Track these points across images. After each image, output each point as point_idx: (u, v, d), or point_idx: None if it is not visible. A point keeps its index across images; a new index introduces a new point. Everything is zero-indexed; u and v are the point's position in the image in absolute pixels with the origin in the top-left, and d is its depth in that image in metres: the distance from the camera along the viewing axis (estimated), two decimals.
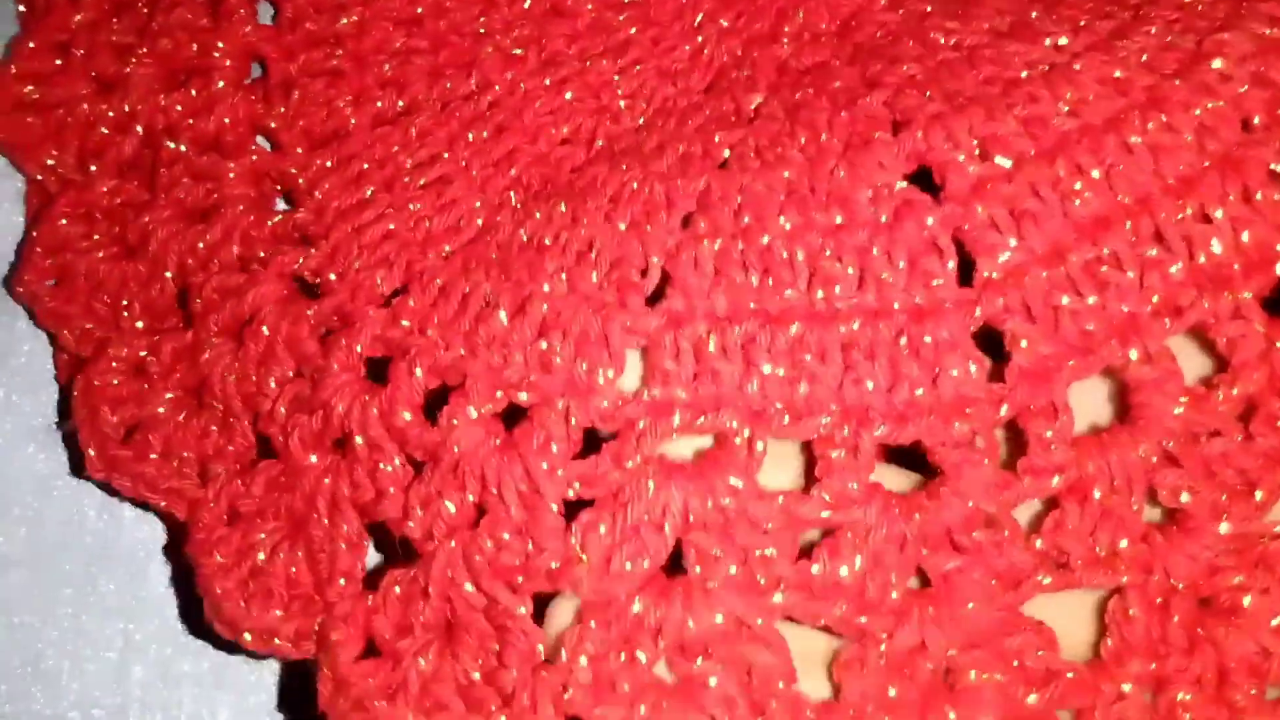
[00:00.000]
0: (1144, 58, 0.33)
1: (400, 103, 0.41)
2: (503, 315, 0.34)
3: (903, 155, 0.32)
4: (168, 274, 0.40)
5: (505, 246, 0.37)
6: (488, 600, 0.32)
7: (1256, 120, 0.32)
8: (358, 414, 0.35)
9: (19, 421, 0.45)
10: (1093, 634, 0.32)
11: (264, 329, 0.38)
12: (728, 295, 0.32)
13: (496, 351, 0.33)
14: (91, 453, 0.39)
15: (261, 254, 0.39)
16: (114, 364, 0.39)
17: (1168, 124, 0.32)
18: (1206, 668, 0.31)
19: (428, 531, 0.33)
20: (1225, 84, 0.32)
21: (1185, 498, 0.31)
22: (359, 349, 0.36)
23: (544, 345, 0.32)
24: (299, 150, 0.41)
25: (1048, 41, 0.34)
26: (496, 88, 0.41)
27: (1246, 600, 0.31)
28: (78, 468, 0.42)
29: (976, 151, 0.32)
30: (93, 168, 0.41)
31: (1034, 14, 0.36)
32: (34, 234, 0.41)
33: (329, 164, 0.40)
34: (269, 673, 0.45)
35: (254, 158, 0.41)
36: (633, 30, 0.43)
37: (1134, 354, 0.31)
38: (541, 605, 0.32)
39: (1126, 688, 0.31)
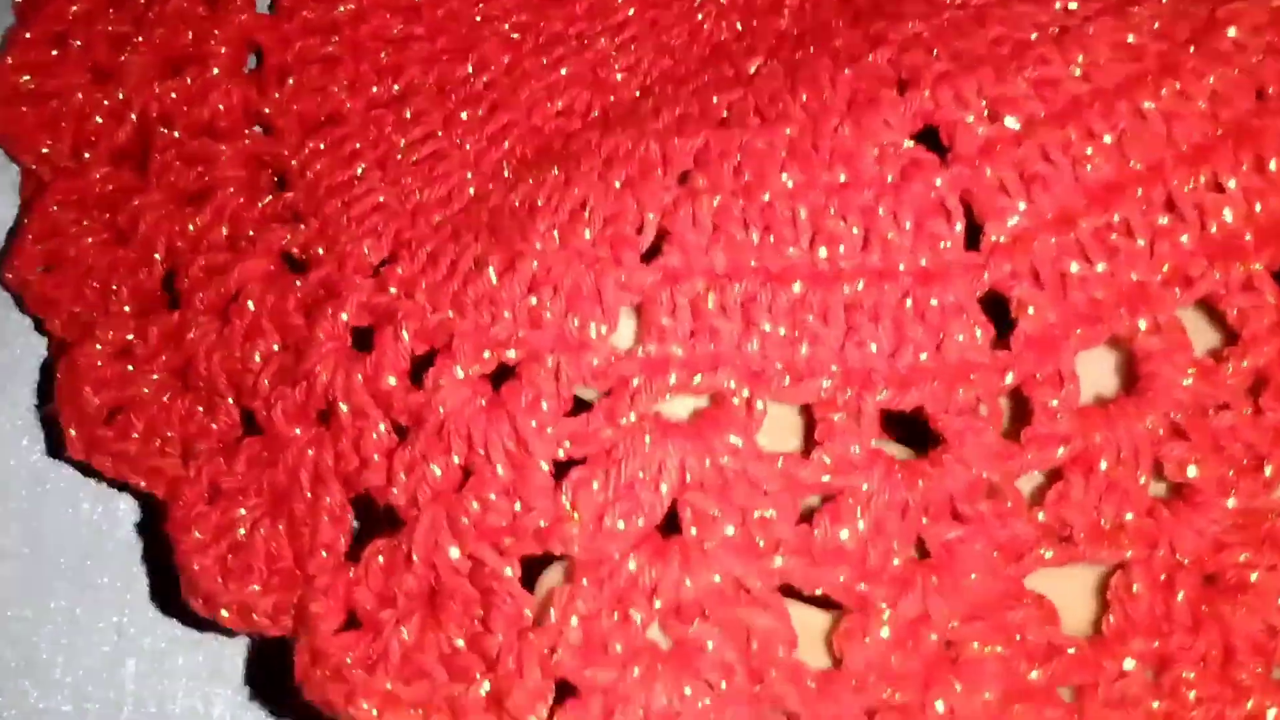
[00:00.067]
0: (1156, 25, 0.32)
1: (396, 87, 0.41)
2: (491, 273, 0.33)
3: (909, 114, 0.32)
4: (156, 256, 0.40)
5: (497, 211, 0.36)
6: (473, 564, 0.31)
7: (1271, 90, 0.32)
8: (342, 382, 0.34)
9: (13, 415, 0.45)
10: (1095, 610, 0.32)
11: (249, 304, 0.37)
12: (727, 252, 0.31)
13: (485, 310, 0.32)
14: (72, 433, 0.38)
15: (250, 234, 0.39)
16: (99, 346, 0.39)
17: (1181, 91, 0.32)
18: (1211, 646, 0.31)
19: (412, 497, 0.32)
20: (1239, 53, 0.32)
21: (1192, 471, 0.31)
22: (345, 318, 0.35)
23: (533, 301, 0.32)
24: (293, 134, 0.40)
25: (1058, 4, 0.33)
26: (493, 68, 0.41)
27: (1253, 577, 0.31)
28: (56, 449, 0.41)
29: (985, 112, 0.32)
30: (86, 156, 0.41)
31: None
32: (25, 221, 0.41)
33: (322, 146, 0.40)
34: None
35: (247, 141, 0.41)
36: (631, 12, 0.43)
37: (1143, 324, 0.31)
38: (529, 577, 0.31)
39: (1129, 665, 0.31)
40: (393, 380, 0.33)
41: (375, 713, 0.31)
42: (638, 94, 0.42)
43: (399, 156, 0.40)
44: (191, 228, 0.39)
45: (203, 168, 0.40)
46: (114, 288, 0.40)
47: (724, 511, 0.30)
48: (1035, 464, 0.31)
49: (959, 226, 0.31)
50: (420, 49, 0.42)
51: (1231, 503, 0.31)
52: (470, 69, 0.41)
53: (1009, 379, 0.31)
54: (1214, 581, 0.31)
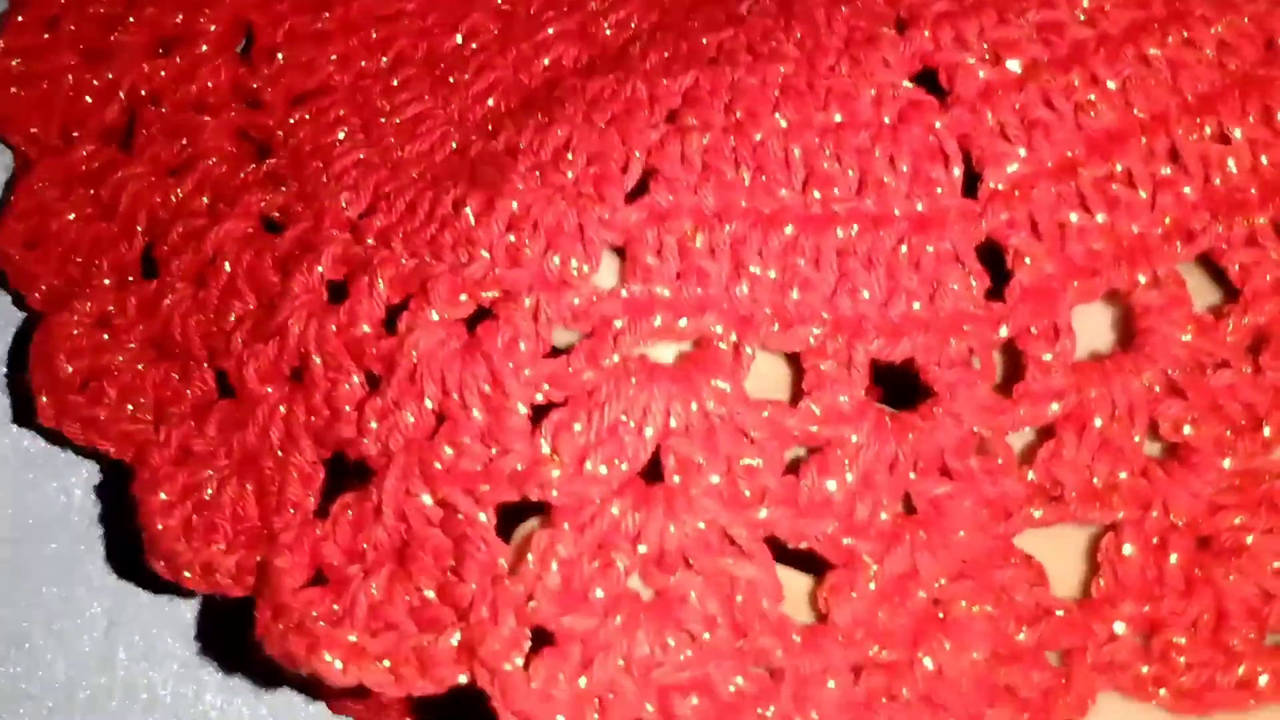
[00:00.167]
0: None
1: (384, 60, 0.41)
2: (469, 214, 0.32)
3: (908, 54, 0.31)
4: (138, 229, 0.40)
5: (478, 158, 0.35)
6: (445, 512, 0.30)
7: None
8: (315, 333, 0.33)
9: (3, 401, 0.45)
10: (1085, 572, 0.31)
11: (225, 265, 0.37)
12: (717, 192, 0.30)
13: (462, 251, 0.31)
14: (43, 399, 0.38)
15: (231, 200, 0.39)
16: (76, 316, 0.39)
17: (1188, 39, 0.31)
18: (1203, 610, 0.31)
19: (384, 447, 0.31)
20: (1249, 2, 0.32)
21: (1188, 430, 0.30)
22: (320, 270, 0.34)
23: (511, 239, 0.31)
24: (280, 108, 0.40)
25: None
26: (481, 36, 0.41)
27: (1249, 540, 0.31)
28: (24, 416, 0.41)
29: (987, 55, 0.31)
30: (75, 135, 0.42)
31: None
32: (11, 198, 0.41)
33: (307, 116, 0.40)
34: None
35: (232, 114, 0.41)
36: None
37: (1142, 277, 0.30)
38: (503, 535, 0.31)
39: (1119, 628, 0.30)
40: (366, 328, 0.32)
41: (340, 665, 0.30)
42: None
43: (383, 120, 0.39)
44: (173, 198, 0.39)
45: (187, 139, 0.40)
46: (95, 261, 0.40)
47: (709, 459, 0.29)
48: (1027, 420, 0.30)
49: (957, 172, 0.31)
50: (411, 24, 0.42)
51: (1228, 463, 0.30)
52: (460, 39, 0.41)
53: (1003, 331, 0.30)
54: (1208, 544, 0.31)
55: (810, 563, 0.30)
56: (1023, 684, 0.30)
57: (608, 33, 0.42)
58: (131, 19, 0.42)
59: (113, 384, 0.38)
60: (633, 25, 0.42)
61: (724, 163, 0.31)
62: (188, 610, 0.45)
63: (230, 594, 0.35)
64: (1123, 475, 0.30)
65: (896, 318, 0.30)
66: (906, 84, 0.31)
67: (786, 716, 0.29)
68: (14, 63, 0.42)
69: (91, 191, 0.41)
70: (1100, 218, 0.30)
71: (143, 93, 0.41)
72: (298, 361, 0.34)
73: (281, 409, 0.34)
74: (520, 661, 0.28)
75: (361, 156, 0.38)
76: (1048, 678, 0.30)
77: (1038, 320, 0.30)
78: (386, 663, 0.30)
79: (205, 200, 0.39)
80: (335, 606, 0.31)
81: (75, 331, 0.38)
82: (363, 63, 0.41)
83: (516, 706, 0.28)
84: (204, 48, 0.41)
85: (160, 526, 0.35)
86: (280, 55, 0.41)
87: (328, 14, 0.42)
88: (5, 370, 0.45)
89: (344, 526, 0.32)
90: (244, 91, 0.41)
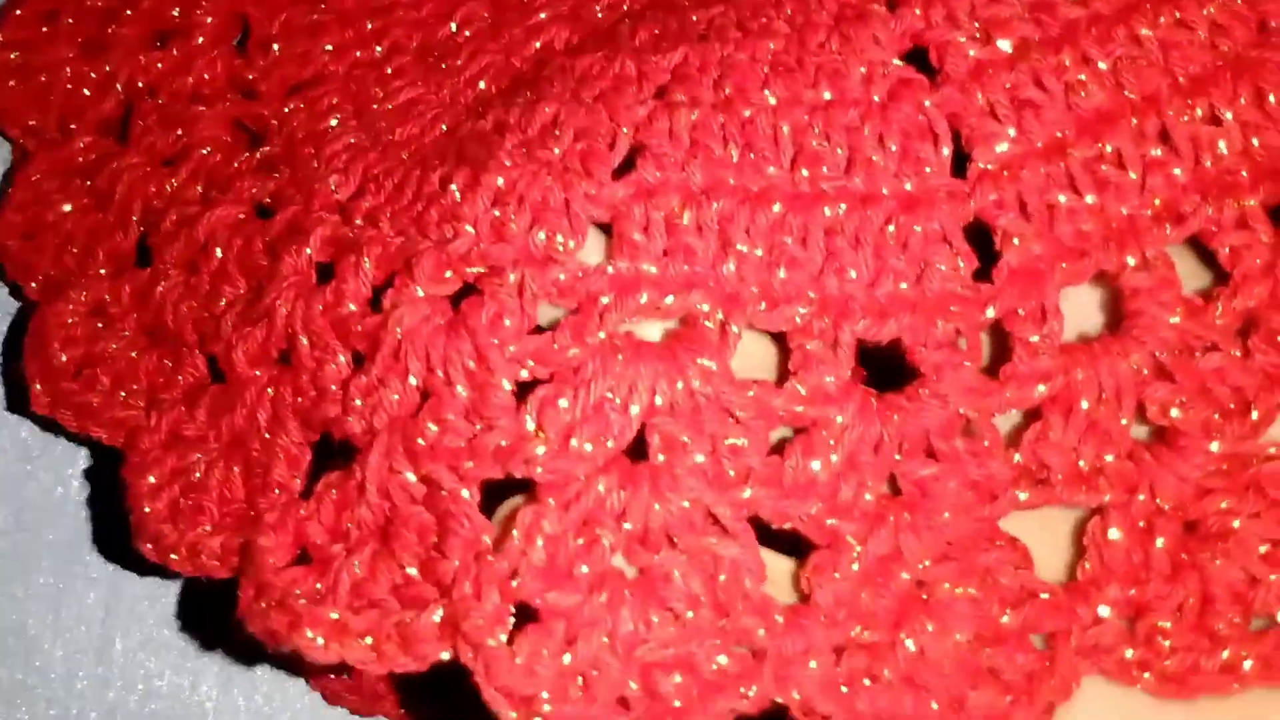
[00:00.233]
0: None
1: (379, 49, 0.42)
2: (455, 190, 0.32)
3: (899, 31, 0.31)
4: (133, 218, 0.40)
5: (466, 137, 0.36)
6: (429, 489, 0.30)
7: (1273, 23, 0.32)
8: (302, 313, 0.33)
9: (1, 391, 0.46)
10: (1071, 555, 0.32)
11: (217, 251, 0.37)
12: (705, 169, 0.30)
13: (447, 226, 0.31)
14: (37, 387, 0.39)
15: (224, 188, 0.39)
16: (71, 305, 0.39)
17: (1181, 20, 0.31)
18: (1189, 595, 0.31)
19: (368, 425, 0.32)
20: None
21: (1176, 414, 0.30)
22: (308, 252, 0.34)
23: (496, 214, 0.31)
24: (275, 98, 0.41)
25: None
26: (475, 24, 0.42)
27: (1236, 524, 0.31)
28: (20, 406, 0.42)
29: (978, 33, 0.31)
30: (73, 127, 0.42)
31: None
32: (8, 190, 0.41)
33: (301, 105, 0.40)
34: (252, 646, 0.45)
35: (228, 104, 0.42)
36: None
37: (1131, 259, 0.31)
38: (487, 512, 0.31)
39: (1104, 612, 0.31)
40: (353, 307, 0.32)
41: (322, 641, 0.30)
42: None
43: (375, 107, 0.40)
44: (168, 188, 0.40)
45: (182, 130, 0.41)
46: (91, 252, 0.41)
47: (694, 438, 0.29)
48: (1014, 402, 0.30)
49: (946, 151, 0.31)
50: (405, 14, 0.42)
51: (1216, 447, 0.31)
52: (453, 27, 0.42)
53: (990, 313, 0.30)
54: (1195, 528, 0.31)
55: (795, 545, 0.31)
56: (1006, 667, 0.30)
57: (599, 15, 0.42)
58: (129, 12, 0.42)
59: (106, 371, 0.38)
60: (625, 7, 0.42)
61: (712, 139, 0.31)
62: (185, 600, 0.46)
63: (216, 575, 0.35)
64: (1109, 458, 0.31)
65: (883, 298, 0.30)
66: (897, 62, 0.31)
67: (768, 696, 0.29)
68: (12, 56, 0.42)
69: (88, 183, 0.41)
70: (1089, 199, 0.30)
71: (140, 85, 0.42)
72: (285, 344, 0.34)
73: (269, 391, 0.34)
74: (504, 637, 0.28)
75: (352, 141, 0.38)
76: (1032, 660, 0.30)
77: (1025, 302, 0.30)
78: (368, 639, 0.30)
79: (199, 189, 0.40)
80: (318, 585, 0.31)
81: (70, 320, 0.39)
82: (357, 53, 0.41)
83: (500, 682, 0.28)
84: (200, 40, 0.42)
85: (147, 509, 0.35)
86: (276, 46, 0.42)
87: (323, 5, 0.42)
88: (1, 361, 0.46)
89: (328, 505, 0.32)
90: (240, 83, 0.42)
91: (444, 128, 0.38)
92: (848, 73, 0.31)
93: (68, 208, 0.41)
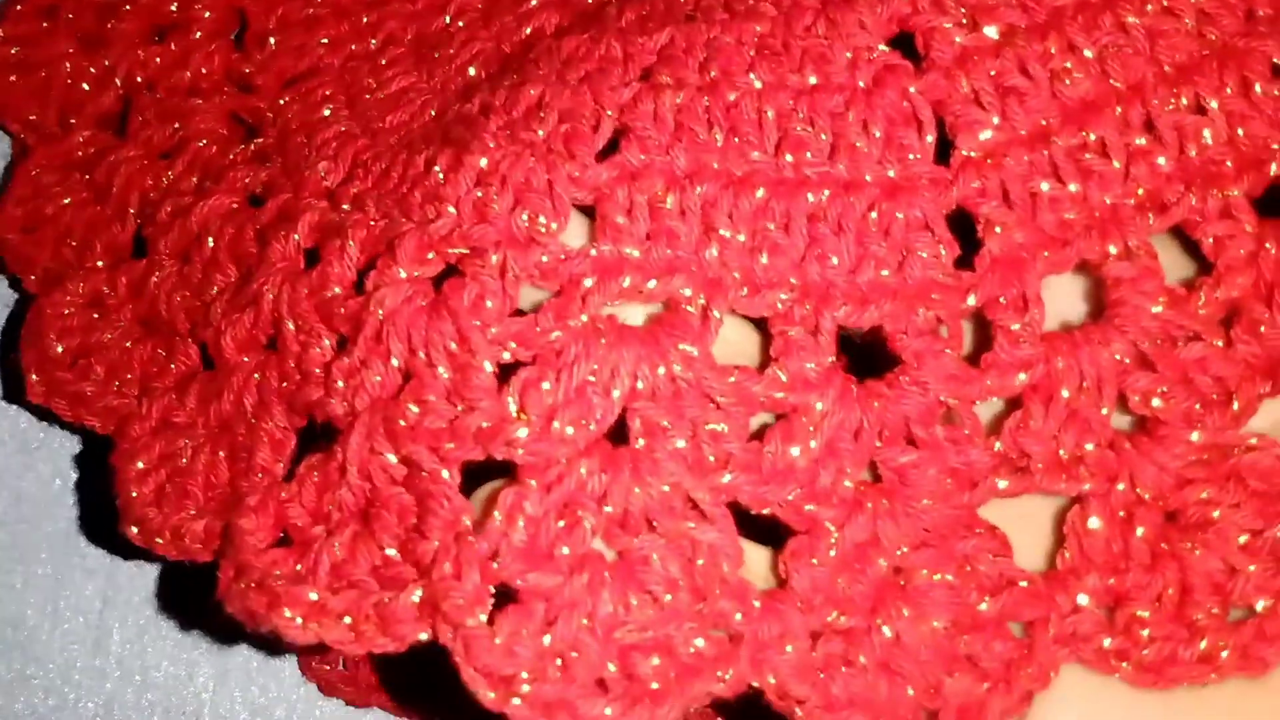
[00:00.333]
0: None
1: (374, 42, 0.42)
2: (438, 172, 0.32)
3: (885, 16, 0.32)
4: (130, 210, 0.41)
5: (452, 121, 0.36)
6: (409, 470, 0.31)
7: (1261, 11, 0.32)
8: (288, 297, 0.34)
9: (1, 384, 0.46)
10: (1051, 544, 0.32)
11: (209, 241, 0.38)
12: (689, 152, 0.31)
13: (429, 207, 0.32)
14: (33, 377, 0.39)
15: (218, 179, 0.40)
16: (69, 297, 0.40)
17: (1168, 8, 0.32)
18: (1168, 584, 0.31)
19: (350, 406, 0.32)
20: None
21: (1157, 403, 0.31)
22: (296, 238, 0.35)
23: (479, 194, 0.31)
24: (271, 91, 0.42)
25: None
26: (468, 14, 0.42)
27: (1216, 515, 0.31)
28: (18, 398, 0.42)
29: (964, 20, 0.31)
30: (72, 122, 0.43)
31: None
32: (8, 185, 0.42)
33: (296, 97, 0.41)
34: (249, 636, 0.46)
35: (224, 97, 0.42)
36: None
37: (1113, 248, 0.31)
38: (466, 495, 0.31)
39: (1082, 601, 0.31)
40: (337, 289, 0.33)
41: (300, 621, 0.30)
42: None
43: (368, 97, 0.40)
44: (164, 180, 0.41)
45: (179, 124, 0.41)
46: (90, 244, 0.41)
47: (674, 423, 0.30)
48: (995, 390, 0.31)
49: (930, 138, 0.31)
50: (400, 7, 0.43)
51: (1196, 437, 0.31)
52: (447, 19, 0.42)
53: (971, 300, 0.31)
54: (1175, 518, 0.32)
55: (775, 534, 0.31)
56: (984, 654, 0.31)
57: (589, 1, 0.42)
58: (128, 7, 0.43)
59: (101, 361, 0.39)
60: None
61: (697, 123, 0.31)
62: (181, 593, 0.46)
63: (199, 559, 0.35)
64: (1090, 447, 0.31)
65: (865, 284, 0.31)
66: (882, 47, 0.32)
67: (744, 680, 0.29)
68: (13, 51, 0.43)
69: (87, 176, 0.42)
70: (1073, 187, 0.31)
71: (138, 79, 0.43)
72: (272, 329, 0.35)
73: (256, 376, 0.35)
74: (484, 618, 0.29)
75: (343, 129, 0.39)
76: (1010, 648, 0.31)
77: (1007, 290, 0.31)
78: (347, 619, 0.30)
79: (194, 180, 0.41)
80: (298, 566, 0.32)
81: (67, 311, 0.39)
82: (353, 46, 0.42)
83: (479, 662, 0.29)
84: (198, 34, 0.43)
85: (134, 494, 0.36)
86: (272, 40, 0.42)
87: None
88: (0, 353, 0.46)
89: (309, 488, 0.33)
90: (237, 77, 0.43)
91: (433, 113, 0.39)
92: (833, 57, 0.31)
93: (67, 201, 0.42)
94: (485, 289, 0.30)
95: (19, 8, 0.43)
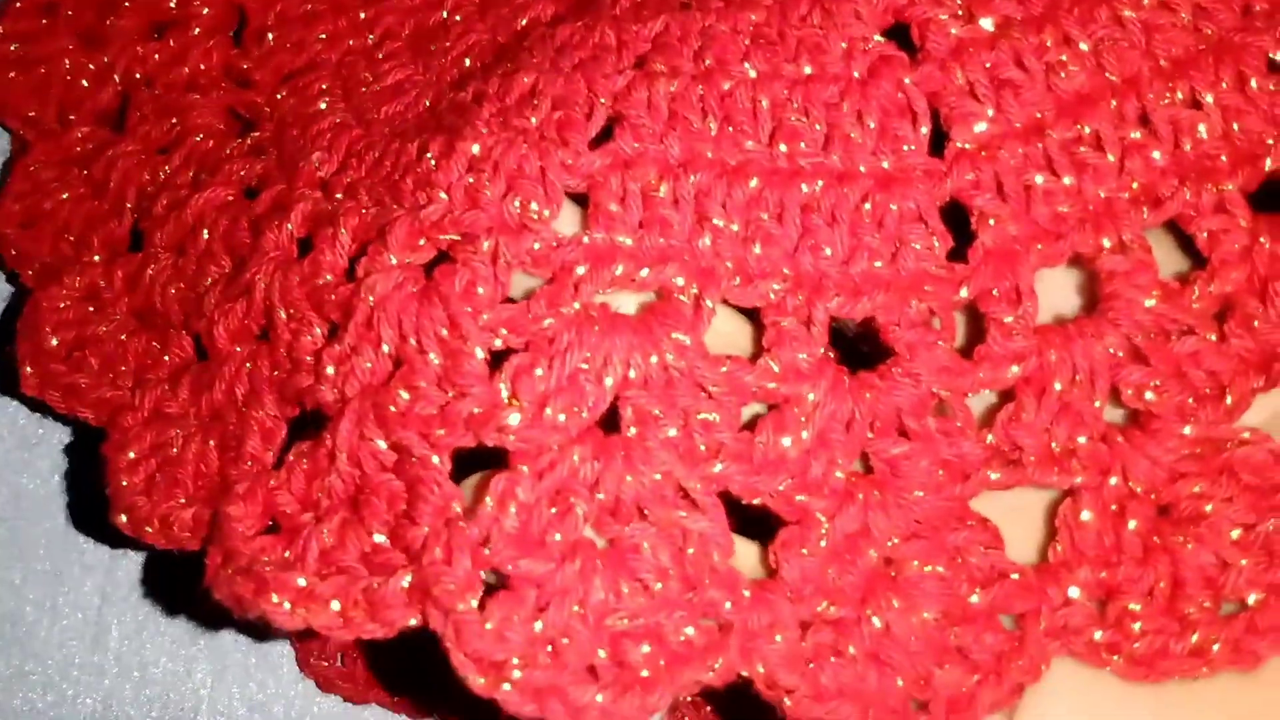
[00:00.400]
0: None
1: (371, 37, 0.43)
2: (430, 158, 0.33)
3: (881, 7, 0.32)
4: (128, 205, 0.41)
5: (446, 110, 0.36)
6: (399, 457, 0.31)
7: (1257, 6, 0.32)
8: (280, 285, 0.34)
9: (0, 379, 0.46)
10: (1043, 537, 0.32)
11: (204, 232, 0.38)
12: (683, 141, 0.31)
13: (421, 193, 0.32)
14: (28, 369, 0.39)
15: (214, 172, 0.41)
16: (65, 290, 0.40)
17: (1164, 2, 0.32)
18: (1160, 578, 0.31)
19: (341, 393, 0.32)
20: None
21: (1150, 397, 0.31)
22: (289, 228, 0.35)
23: (471, 180, 0.31)
24: (269, 86, 0.42)
25: None
26: (465, 9, 0.42)
27: (1208, 508, 0.31)
28: (11, 388, 0.42)
29: (960, 11, 0.32)
30: (71, 118, 0.43)
31: None
32: (7, 180, 0.43)
33: (293, 91, 0.41)
34: (246, 633, 0.47)
35: (222, 92, 0.43)
36: None
37: (1107, 242, 0.31)
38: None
39: (1074, 593, 0.31)
40: (329, 277, 0.33)
41: (288, 606, 0.30)
42: None
43: (364, 90, 0.41)
44: (161, 174, 0.41)
45: (177, 119, 0.42)
46: (87, 238, 0.42)
47: (666, 412, 0.30)
48: (987, 382, 0.31)
49: (924, 130, 0.31)
50: (398, 2, 0.43)
51: (1189, 431, 0.31)
52: (444, 14, 0.43)
53: (964, 292, 0.31)
54: (1167, 512, 0.32)
55: (769, 528, 0.31)
56: (974, 646, 0.31)
57: None
58: (127, 4, 0.43)
59: (95, 354, 0.39)
60: None
61: (691, 111, 0.31)
62: (179, 589, 0.46)
63: (188, 548, 0.35)
64: (1082, 440, 0.31)
65: (858, 276, 0.31)
66: (878, 38, 0.32)
67: (733, 669, 0.30)
68: (12, 47, 0.44)
69: (85, 172, 0.42)
70: (1067, 180, 0.31)
71: (137, 75, 0.43)
72: (264, 319, 0.35)
73: (247, 365, 0.35)
74: (474, 603, 0.29)
75: (338, 120, 0.39)
76: (1000, 641, 0.31)
77: (1000, 282, 0.31)
78: (335, 605, 0.30)
79: (191, 174, 0.41)
80: (286, 553, 0.32)
81: (63, 305, 0.40)
82: (350, 41, 0.42)
83: (470, 648, 0.29)
84: (197, 31, 0.43)
85: (124, 483, 0.36)
86: (271, 36, 0.43)
87: None
88: None
89: (298, 475, 0.33)
90: (235, 72, 0.43)
91: (427, 103, 0.39)
92: (828, 47, 0.32)
93: (65, 196, 0.42)
94: (477, 275, 0.31)
95: (19, 5, 0.44)
